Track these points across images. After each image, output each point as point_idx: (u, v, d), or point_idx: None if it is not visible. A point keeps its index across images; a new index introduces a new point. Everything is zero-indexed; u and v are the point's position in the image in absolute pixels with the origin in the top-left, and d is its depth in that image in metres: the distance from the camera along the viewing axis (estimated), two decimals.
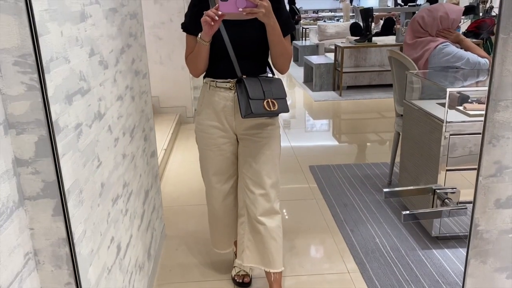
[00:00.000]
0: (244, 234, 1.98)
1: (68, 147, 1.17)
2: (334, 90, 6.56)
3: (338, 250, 2.43)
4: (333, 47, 6.67)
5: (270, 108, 1.76)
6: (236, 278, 2.18)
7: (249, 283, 2.16)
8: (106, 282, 1.45)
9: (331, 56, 6.84)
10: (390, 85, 3.47)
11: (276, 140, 1.94)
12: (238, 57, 1.78)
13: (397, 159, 3.03)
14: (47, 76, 1.06)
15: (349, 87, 6.55)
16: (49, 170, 1.03)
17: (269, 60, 1.90)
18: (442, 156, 2.27)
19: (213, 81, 1.87)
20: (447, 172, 2.29)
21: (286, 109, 1.82)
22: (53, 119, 1.08)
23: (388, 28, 6.98)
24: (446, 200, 1.34)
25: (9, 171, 0.99)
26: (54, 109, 1.09)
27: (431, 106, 2.49)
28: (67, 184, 1.16)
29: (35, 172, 1.03)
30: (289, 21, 1.83)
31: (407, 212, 1.53)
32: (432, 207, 1.42)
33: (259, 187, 1.90)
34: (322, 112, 5.64)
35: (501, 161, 1.18)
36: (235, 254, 2.27)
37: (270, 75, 1.91)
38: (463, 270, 1.27)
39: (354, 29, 6.88)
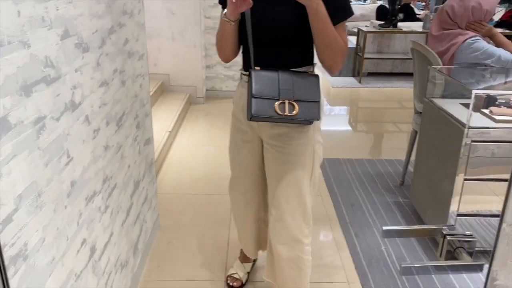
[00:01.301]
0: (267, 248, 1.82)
1: (22, 146, 1.02)
2: (353, 76, 6.30)
3: (340, 257, 2.26)
4: (356, 30, 6.37)
5: (284, 112, 1.39)
6: (228, 280, 2.03)
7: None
8: None
9: (353, 40, 6.54)
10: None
11: (306, 161, 1.55)
12: (261, 44, 1.46)
13: (413, 157, 2.82)
14: None
15: (370, 74, 6.27)
16: None
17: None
18: (461, 164, 2.06)
19: (240, 72, 1.62)
20: (465, 181, 2.08)
21: (313, 116, 1.41)
22: (0, 115, 0.93)
23: (407, 15, 6.53)
24: (458, 249, 1.14)
25: None
26: (2, 103, 0.93)
27: (454, 107, 2.27)
28: (19, 189, 1.01)
29: None
30: (343, 4, 1.42)
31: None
32: (440, 255, 1.22)
33: (276, 211, 1.62)
34: (339, 99, 5.39)
35: None
36: (240, 255, 2.11)
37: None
38: None
39: (380, 13, 6.54)
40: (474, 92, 1.97)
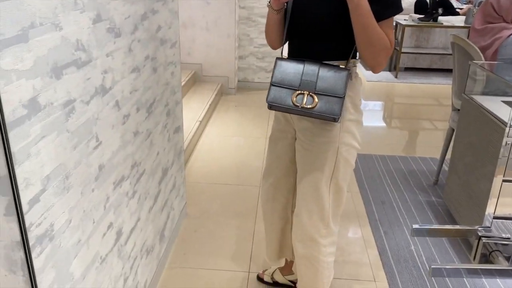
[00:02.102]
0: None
1: (51, 128, 1.03)
2: (390, 70, 6.14)
3: (367, 254, 2.21)
4: (394, 23, 6.19)
5: (301, 104, 1.33)
6: (259, 274, 2.03)
7: (262, 280, 2.01)
8: (96, 272, 1.33)
9: None
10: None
11: (327, 161, 1.45)
12: (297, 35, 1.43)
13: (448, 155, 2.72)
14: (24, 46, 0.91)
15: (407, 69, 6.10)
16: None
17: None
18: (500, 164, 1.96)
19: None
20: (503, 183, 1.98)
21: (332, 112, 1.31)
22: (30, 96, 0.93)
23: (445, 9, 6.25)
24: (494, 252, 1.07)
25: None
26: (32, 84, 0.94)
27: (494, 104, 2.16)
28: (47, 170, 1.02)
29: None
30: None
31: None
32: (474, 258, 1.15)
33: (297, 206, 1.58)
34: (374, 93, 5.27)
35: None
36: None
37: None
38: None
39: (419, 6, 6.34)
40: None
